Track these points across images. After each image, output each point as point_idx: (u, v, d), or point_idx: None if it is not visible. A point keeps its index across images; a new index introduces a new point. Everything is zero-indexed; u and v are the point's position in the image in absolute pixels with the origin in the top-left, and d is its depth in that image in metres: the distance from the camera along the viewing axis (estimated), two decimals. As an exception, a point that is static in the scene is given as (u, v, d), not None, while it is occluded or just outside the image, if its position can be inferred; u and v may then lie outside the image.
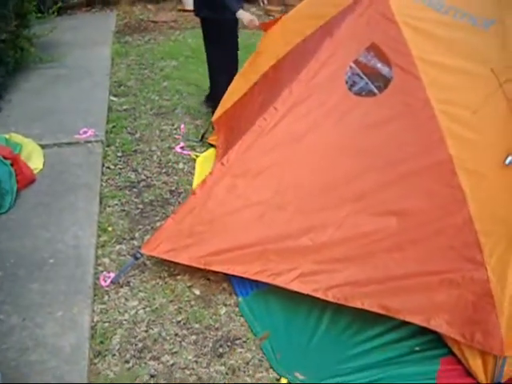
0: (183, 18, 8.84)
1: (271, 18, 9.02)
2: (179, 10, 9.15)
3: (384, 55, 3.13)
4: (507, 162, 2.73)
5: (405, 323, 2.91)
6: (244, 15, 4.42)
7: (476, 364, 2.73)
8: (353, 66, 3.20)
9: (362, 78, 3.26)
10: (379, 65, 3.20)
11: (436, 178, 2.83)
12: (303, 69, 3.20)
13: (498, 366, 2.65)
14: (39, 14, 6.63)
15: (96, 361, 2.75)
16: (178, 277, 3.31)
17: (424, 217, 2.83)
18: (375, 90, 3.18)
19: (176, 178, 4.44)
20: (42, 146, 4.57)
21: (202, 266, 3.10)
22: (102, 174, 4.44)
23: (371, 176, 2.94)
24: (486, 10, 3.13)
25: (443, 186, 2.81)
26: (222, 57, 4.79)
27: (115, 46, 7.44)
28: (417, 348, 2.93)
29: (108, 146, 4.88)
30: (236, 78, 4.46)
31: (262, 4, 5.33)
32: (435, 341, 2.93)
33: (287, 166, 3.10)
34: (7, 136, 4.43)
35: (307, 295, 2.95)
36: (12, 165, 3.99)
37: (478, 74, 2.93)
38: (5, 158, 3.98)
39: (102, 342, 2.86)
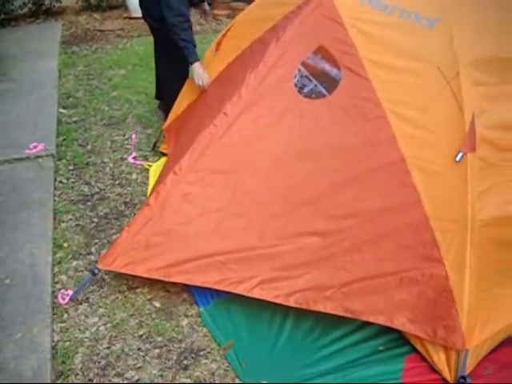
0: (130, 26, 8.78)
1: (219, 21, 9.04)
2: (125, 18, 9.09)
3: (332, 57, 3.15)
4: (458, 158, 2.78)
5: (367, 323, 2.93)
6: (200, 72, 4.09)
7: (440, 360, 2.77)
8: (301, 68, 3.21)
9: (310, 80, 3.27)
10: (328, 67, 3.22)
11: (390, 178, 2.86)
12: (252, 73, 3.21)
13: (460, 359, 2.70)
14: (-19, 27, 6.50)
15: (59, 382, 2.70)
16: (138, 290, 3.28)
17: (380, 217, 2.86)
18: (325, 92, 3.20)
19: (130, 189, 4.39)
20: (-9, 163, 4.49)
21: (161, 278, 3.07)
22: (55, 188, 4.37)
23: (326, 179, 2.95)
24: (431, 8, 3.16)
25: (397, 186, 2.84)
26: (173, 64, 4.72)
27: (62, 57, 7.34)
28: (381, 348, 2.96)
29: (59, 159, 4.80)
30: (186, 84, 4.44)
31: (204, 15, 5.34)
32: (399, 339, 2.96)
33: (241, 173, 3.09)
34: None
35: (268, 303, 2.95)
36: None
37: (425, 73, 2.96)
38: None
39: (63, 362, 2.81)
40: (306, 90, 3.23)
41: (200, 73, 4.09)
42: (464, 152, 2.78)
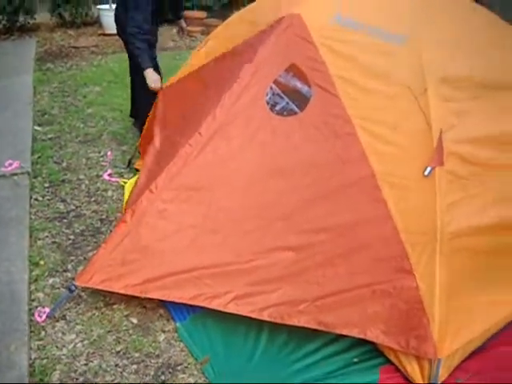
0: (104, 43, 8.84)
1: (193, 38, 9.12)
2: (100, 35, 9.15)
3: (303, 75, 3.22)
4: (426, 172, 2.86)
5: (341, 336, 2.99)
6: (151, 76, 4.48)
7: (413, 370, 2.82)
8: (273, 86, 3.28)
9: (282, 98, 3.34)
10: (299, 84, 3.29)
11: (361, 193, 2.93)
12: (226, 93, 3.26)
13: (433, 369, 2.75)
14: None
15: (36, 399, 2.72)
16: (115, 306, 3.30)
17: (352, 231, 2.92)
18: (296, 109, 3.27)
19: (106, 206, 4.42)
20: (-33, 182, 4.49)
21: (138, 294, 3.10)
22: (31, 206, 4.38)
23: (298, 195, 3.01)
24: (399, 25, 3.25)
25: (368, 201, 2.91)
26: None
27: (37, 74, 7.38)
28: (355, 360, 3.00)
29: (35, 177, 4.82)
30: (157, 103, 4.49)
31: (181, 32, 5.42)
32: (373, 351, 3.01)
33: (216, 191, 3.14)
34: None
35: (243, 318, 3.00)
36: None
37: (394, 90, 3.03)
38: None
39: (41, 380, 2.81)
40: (277, 107, 3.30)
41: (152, 77, 4.49)
42: (432, 166, 2.86)
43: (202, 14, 9.63)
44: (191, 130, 3.33)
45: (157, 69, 4.73)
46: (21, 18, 9.02)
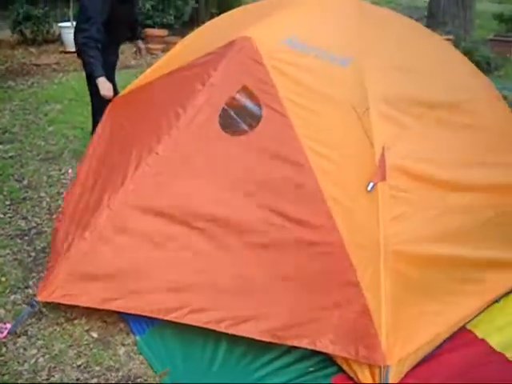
0: (66, 60, 8.92)
1: (154, 55, 9.24)
2: (61, 52, 9.22)
3: (254, 97, 3.38)
4: (369, 188, 3.03)
5: (294, 349, 3.13)
6: (103, 84, 4.60)
7: (365, 377, 2.95)
8: (225, 107, 3.42)
9: (234, 118, 3.49)
10: (250, 105, 3.46)
11: (309, 208, 3.08)
12: (182, 114, 3.40)
13: (383, 375, 2.90)
14: None
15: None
16: (76, 321, 3.39)
17: (302, 246, 3.08)
18: (247, 129, 3.42)
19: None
20: None
21: (97, 306, 3.21)
22: (-8, 223, 4.46)
23: (250, 209, 3.16)
24: (345, 49, 3.44)
25: (316, 217, 3.06)
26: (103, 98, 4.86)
27: (-3, 92, 7.41)
28: (310, 369, 3.13)
29: (-4, 195, 4.89)
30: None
31: (139, 52, 5.54)
32: (327, 361, 3.13)
33: (172, 207, 3.26)
34: None
35: (201, 330, 3.12)
36: None
37: (338, 110, 3.21)
38: None
39: (2, 394, 2.91)
40: (229, 127, 3.44)
41: (105, 85, 4.60)
42: (374, 182, 3.03)
43: (162, 31, 9.77)
44: (144, 146, 3.45)
45: (115, 89, 4.86)
46: (-19, 36, 9.09)
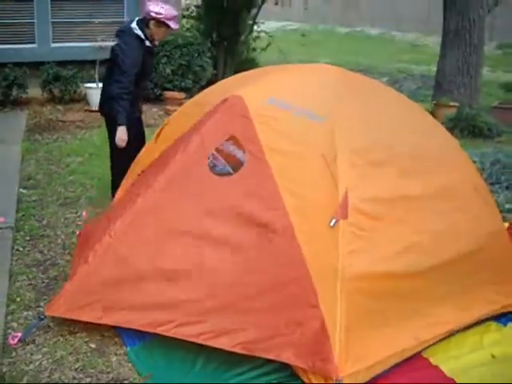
0: (89, 118, 9.63)
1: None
2: (86, 111, 9.95)
3: (240, 144, 3.98)
4: (332, 223, 3.55)
5: (267, 362, 3.60)
6: (121, 133, 5.30)
7: (321, 388, 3.42)
8: (214, 153, 4.01)
9: (221, 161, 4.07)
10: (235, 152, 4.04)
11: (282, 240, 3.62)
12: (176, 156, 4.05)
13: (334, 386, 3.37)
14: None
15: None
16: (77, 334, 3.90)
17: (274, 271, 3.59)
18: (231, 171, 4.00)
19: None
20: (-43, 233, 5.13)
21: (96, 321, 3.74)
22: (12, 254, 5.02)
23: (225, 237, 3.74)
24: (321, 107, 4.05)
25: (288, 247, 3.59)
26: (123, 154, 5.48)
27: (25, 144, 8.12)
28: (275, 381, 3.60)
29: (17, 231, 5.48)
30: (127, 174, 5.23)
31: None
32: (291, 375, 3.58)
33: (163, 236, 3.84)
34: None
35: (184, 346, 3.63)
36: None
37: (311, 158, 3.79)
38: None
39: (10, 388, 3.42)
40: (216, 169, 4.02)
41: (122, 135, 5.31)
42: (337, 219, 3.55)
43: (180, 94, 10.50)
44: (146, 185, 4.06)
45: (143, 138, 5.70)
46: (14, 93, 9.85)
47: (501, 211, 5.93)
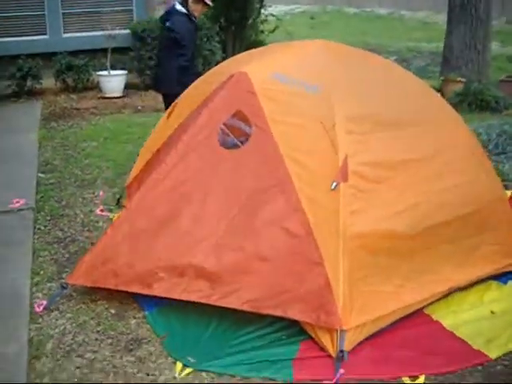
0: (103, 105, 9.88)
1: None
2: (99, 98, 10.20)
3: (246, 118, 4.20)
4: (332, 186, 3.76)
5: (276, 321, 3.83)
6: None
7: (326, 340, 3.62)
8: (223, 127, 4.23)
9: (229, 135, 4.28)
10: (242, 125, 4.26)
11: (286, 204, 3.83)
12: (186, 132, 4.24)
13: (340, 337, 3.56)
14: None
15: (33, 361, 3.55)
16: (99, 302, 4.16)
17: (280, 232, 3.81)
18: (239, 144, 4.21)
19: (96, 233, 5.30)
20: (-20, 215, 5.40)
21: (114, 288, 3.99)
22: (34, 233, 5.28)
23: (235, 204, 3.94)
24: (317, 78, 4.26)
25: (292, 210, 3.81)
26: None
27: (42, 131, 8.37)
28: (283, 337, 3.83)
29: (38, 212, 5.74)
30: (141, 150, 5.49)
31: None
32: (300, 331, 3.81)
33: (176, 206, 4.06)
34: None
35: (198, 311, 3.89)
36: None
37: (310, 126, 4.01)
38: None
39: (37, 349, 3.66)
40: (225, 143, 4.24)
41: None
42: (337, 182, 3.76)
43: (191, 78, 10.74)
44: (160, 160, 4.29)
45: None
46: (28, 83, 10.12)
47: (504, 180, 6.18)
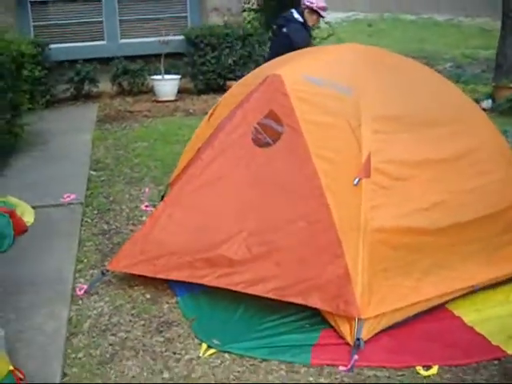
0: (156, 108, 10.25)
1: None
2: (153, 101, 10.59)
3: (278, 118, 4.42)
4: (355, 182, 3.94)
5: (299, 311, 4.02)
6: None
7: (345, 328, 3.79)
8: (256, 126, 4.46)
9: (262, 134, 4.51)
10: (274, 125, 4.48)
11: (313, 199, 4.03)
12: (222, 131, 4.49)
13: (358, 326, 3.73)
14: (30, 106, 7.99)
15: (71, 337, 3.85)
16: (135, 287, 4.44)
17: (305, 225, 4.01)
18: (271, 142, 4.44)
19: (140, 226, 5.57)
20: (33, 207, 5.76)
21: (150, 275, 4.26)
22: (81, 225, 5.61)
23: (265, 198, 4.16)
24: (347, 80, 4.45)
25: (318, 205, 4.00)
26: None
27: (96, 133, 8.79)
28: (306, 325, 4.02)
29: (87, 206, 6.09)
30: (185, 149, 5.77)
31: None
32: (322, 321, 3.99)
33: (211, 199, 4.32)
34: (4, 199, 5.61)
35: (226, 298, 4.12)
36: (10, 217, 5.16)
37: (339, 126, 4.20)
38: (4, 212, 5.17)
39: (75, 327, 3.97)
40: (258, 141, 4.46)
41: None
42: (360, 178, 3.94)
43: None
44: (198, 157, 4.56)
45: None
46: (86, 87, 10.59)
47: None
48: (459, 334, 4.01)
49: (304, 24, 7.10)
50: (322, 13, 7.10)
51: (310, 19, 7.16)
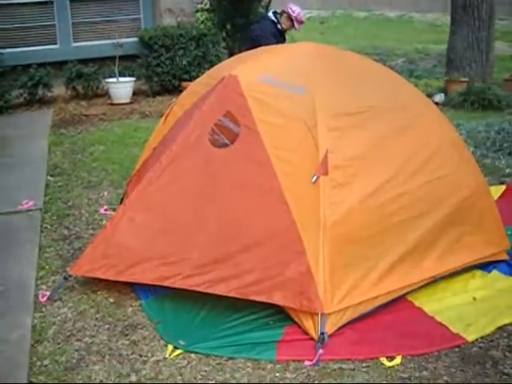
0: (112, 111, 10.18)
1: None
2: (108, 104, 10.51)
3: (235, 118, 4.46)
4: (313, 180, 4.01)
5: (263, 309, 4.07)
6: None
7: (308, 323, 3.86)
8: (214, 127, 4.50)
9: (219, 135, 4.54)
10: (231, 125, 4.51)
11: (272, 198, 4.08)
12: (180, 133, 4.51)
13: (320, 321, 3.80)
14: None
15: (36, 345, 3.83)
16: (98, 292, 4.43)
17: (265, 225, 4.07)
18: (229, 143, 4.48)
19: (100, 231, 5.55)
20: (-9, 215, 5.70)
21: (112, 278, 4.26)
22: (41, 232, 5.57)
23: (224, 199, 4.20)
24: (302, 81, 4.52)
25: (277, 204, 4.06)
26: None
27: (51, 138, 8.68)
28: (270, 322, 4.07)
29: (45, 212, 6.03)
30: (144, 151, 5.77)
31: None
32: (284, 317, 4.06)
33: (170, 202, 4.34)
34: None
35: (190, 300, 4.15)
36: (-33, 226, 5.11)
37: (295, 126, 4.27)
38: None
39: (40, 334, 3.94)
40: (216, 142, 4.50)
41: None
42: (317, 175, 4.01)
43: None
44: (156, 159, 4.57)
45: None
46: (40, 92, 10.44)
47: (502, 176, 6.41)
48: (421, 324, 4.13)
49: (275, 24, 7.66)
50: (296, 24, 7.65)
51: (285, 24, 7.72)
